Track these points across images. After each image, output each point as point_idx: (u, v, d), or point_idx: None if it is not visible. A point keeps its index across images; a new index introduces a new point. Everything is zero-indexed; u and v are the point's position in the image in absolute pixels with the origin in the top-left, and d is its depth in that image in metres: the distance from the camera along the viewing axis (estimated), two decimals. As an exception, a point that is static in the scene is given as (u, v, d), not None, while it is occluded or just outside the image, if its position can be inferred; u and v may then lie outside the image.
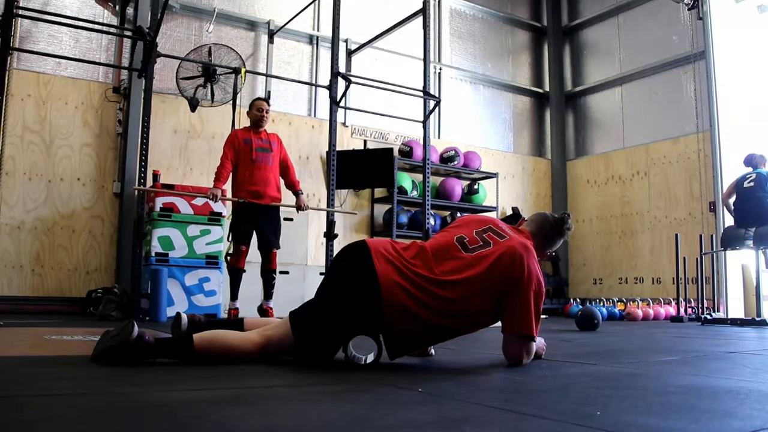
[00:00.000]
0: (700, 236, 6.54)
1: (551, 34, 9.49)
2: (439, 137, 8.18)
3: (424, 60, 6.05)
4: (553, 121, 9.36)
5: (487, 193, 8.03)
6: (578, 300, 8.09)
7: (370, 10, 7.74)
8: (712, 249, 6.48)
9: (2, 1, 4.27)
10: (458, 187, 7.82)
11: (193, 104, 5.74)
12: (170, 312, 4.84)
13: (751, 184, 5.98)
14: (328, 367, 2.05)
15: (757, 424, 1.24)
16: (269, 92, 7.03)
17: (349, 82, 5.32)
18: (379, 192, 7.59)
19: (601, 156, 8.81)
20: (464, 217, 2.42)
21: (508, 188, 8.75)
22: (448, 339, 2.18)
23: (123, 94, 6.25)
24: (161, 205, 5.31)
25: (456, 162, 7.80)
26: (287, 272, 5.89)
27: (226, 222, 5.27)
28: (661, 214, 7.97)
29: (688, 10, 7.69)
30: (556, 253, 8.48)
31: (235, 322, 2.47)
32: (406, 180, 7.45)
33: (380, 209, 7.64)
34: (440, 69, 8.40)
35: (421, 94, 5.90)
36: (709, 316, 6.10)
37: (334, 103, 5.64)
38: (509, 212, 8.60)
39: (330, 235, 5.54)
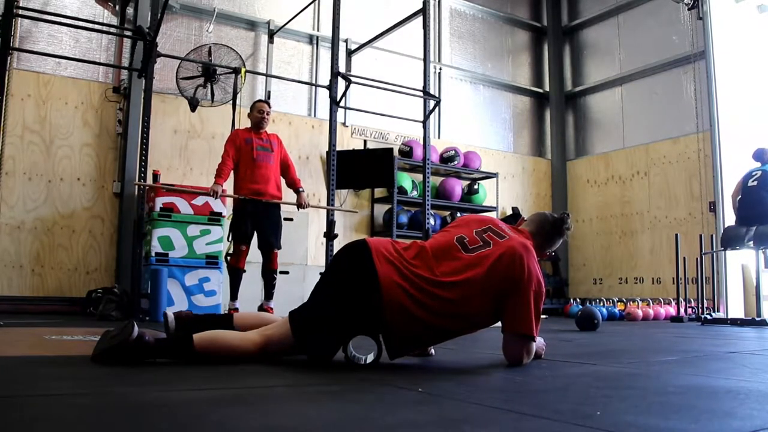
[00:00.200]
0: (700, 236, 6.54)
1: (551, 34, 9.49)
2: (439, 137, 8.18)
3: (424, 60, 6.05)
4: (553, 121, 9.36)
5: (487, 193, 8.03)
6: (578, 300, 8.09)
7: (370, 10, 7.74)
8: (712, 249, 6.48)
9: (2, 1, 4.27)
10: (458, 187, 7.82)
11: (193, 104, 5.74)
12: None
13: (755, 183, 5.96)
14: (328, 367, 2.05)
15: (757, 424, 1.24)
16: (269, 92, 7.03)
17: (349, 82, 5.32)
18: (379, 192, 7.59)
19: (601, 156, 8.81)
20: (464, 216, 2.42)
21: (508, 188, 8.75)
22: (448, 339, 2.18)
23: (123, 94, 6.25)
24: (161, 205, 5.31)
25: (456, 162, 7.80)
26: (287, 272, 5.89)
27: (226, 222, 5.27)
28: (661, 214, 7.97)
29: (688, 10, 7.69)
30: (556, 253, 8.48)
31: (222, 316, 2.47)
32: (406, 180, 7.45)
33: (380, 209, 7.64)
34: (440, 69, 8.40)
35: (421, 94, 5.89)
36: (709, 316, 6.10)
37: (334, 103, 5.64)
38: (509, 212, 8.60)
39: (330, 235, 5.54)
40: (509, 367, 2.12)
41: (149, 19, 6.10)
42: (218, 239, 5.45)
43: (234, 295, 4.83)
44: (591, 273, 8.72)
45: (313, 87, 7.32)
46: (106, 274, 6.03)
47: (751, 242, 5.87)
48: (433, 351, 2.45)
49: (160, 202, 5.32)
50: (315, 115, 7.36)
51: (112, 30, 6.23)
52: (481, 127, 8.77)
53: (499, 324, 2.16)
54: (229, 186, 4.97)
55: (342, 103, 5.98)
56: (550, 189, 9.22)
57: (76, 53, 6.03)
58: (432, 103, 5.93)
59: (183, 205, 5.35)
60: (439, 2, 8.54)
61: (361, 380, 1.79)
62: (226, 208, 5.50)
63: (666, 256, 7.69)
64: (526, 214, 8.26)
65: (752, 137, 6.97)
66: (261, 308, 4.87)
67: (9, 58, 4.42)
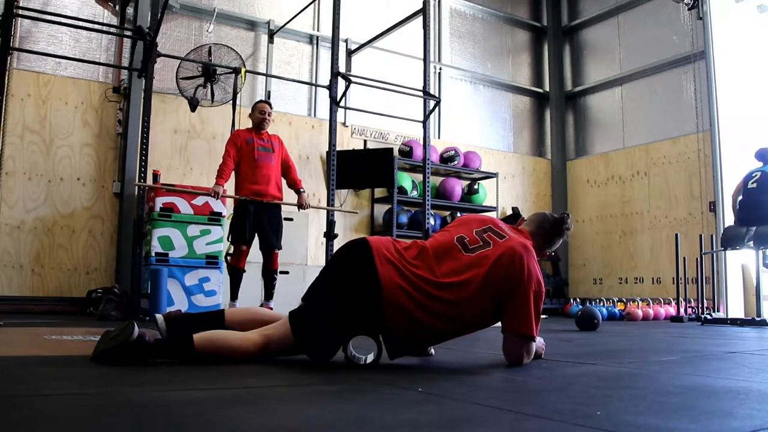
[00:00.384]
0: (700, 236, 6.54)
1: (551, 34, 9.49)
2: (439, 137, 8.18)
3: (424, 60, 6.05)
4: (553, 121, 9.36)
5: (487, 193, 8.03)
6: (578, 300, 8.09)
7: (370, 10, 7.74)
8: (712, 249, 6.48)
9: (2, 1, 4.27)
10: (458, 187, 7.82)
11: (193, 104, 5.74)
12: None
13: (755, 185, 5.95)
14: (328, 367, 2.05)
15: (756, 424, 1.24)
16: (269, 92, 7.03)
17: (349, 82, 5.32)
18: (379, 192, 7.59)
19: (601, 156, 8.81)
20: (464, 216, 2.42)
21: (508, 188, 8.75)
22: (448, 339, 2.18)
23: (123, 94, 6.24)
24: (161, 205, 5.30)
25: (456, 162, 7.80)
26: (287, 272, 5.89)
27: (226, 222, 5.27)
28: (661, 214, 7.97)
29: (688, 10, 7.69)
30: (556, 253, 8.48)
31: (213, 313, 2.46)
32: (406, 180, 7.45)
33: (380, 209, 7.64)
34: (440, 69, 8.40)
35: (421, 94, 5.90)
36: (709, 316, 6.10)
37: (334, 103, 5.64)
38: (509, 212, 8.60)
39: (330, 235, 5.55)
40: (509, 367, 2.12)
41: (149, 19, 6.10)
42: (218, 239, 5.45)
43: (234, 295, 4.83)
44: (591, 273, 8.72)
45: (313, 87, 7.32)
46: (106, 274, 6.03)
47: (751, 242, 5.87)
48: (433, 351, 2.45)
49: (160, 202, 5.32)
50: (315, 115, 7.36)
51: (112, 30, 6.23)
52: (481, 127, 8.78)
53: (499, 324, 2.16)
54: (230, 186, 4.97)
55: (342, 103, 5.98)
56: (550, 189, 9.22)
57: (76, 53, 6.04)
58: (432, 103, 5.93)
59: (183, 205, 5.35)
60: (439, 2, 8.54)
61: (361, 380, 1.79)
62: (226, 208, 5.50)
63: (666, 256, 7.69)
64: (526, 214, 8.26)
65: (752, 137, 6.97)
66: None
67: (9, 58, 4.42)
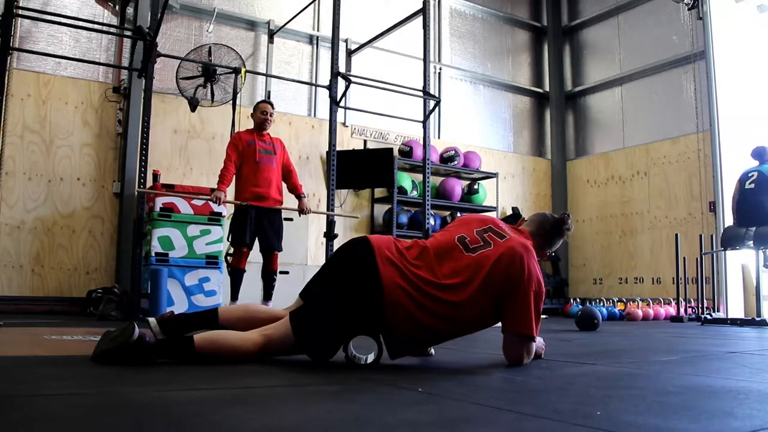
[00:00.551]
0: (700, 236, 6.54)
1: (551, 34, 9.49)
2: (439, 137, 8.18)
3: (424, 60, 6.05)
4: (553, 121, 9.36)
5: (487, 193, 8.03)
6: (578, 300, 8.09)
7: (370, 10, 7.74)
8: (712, 249, 6.48)
9: (2, 1, 4.27)
10: (458, 187, 7.82)
11: (193, 104, 5.74)
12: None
13: (752, 185, 5.93)
14: (328, 367, 2.05)
15: (756, 424, 1.24)
16: (269, 92, 7.03)
17: (349, 82, 5.32)
18: (379, 192, 7.59)
19: (601, 156, 8.81)
20: (464, 216, 2.42)
21: (508, 188, 8.75)
22: (448, 339, 2.18)
23: (123, 94, 6.24)
24: (161, 205, 5.30)
25: (456, 162, 7.80)
26: (287, 272, 5.88)
27: (226, 222, 5.27)
28: (661, 214, 7.97)
29: (688, 10, 7.69)
30: (556, 253, 8.48)
31: (206, 312, 2.45)
32: (406, 180, 7.45)
33: (380, 209, 7.64)
34: (440, 69, 8.40)
35: (421, 94, 5.89)
36: (709, 316, 6.10)
37: (334, 103, 5.64)
38: (509, 212, 8.60)
39: (330, 235, 5.55)
40: (509, 367, 2.12)
41: (149, 19, 6.10)
42: (218, 239, 5.45)
43: (234, 295, 4.83)
44: (591, 273, 8.72)
45: (313, 87, 7.32)
46: (106, 274, 6.02)
47: (751, 242, 5.86)
48: (433, 351, 2.45)
49: (160, 201, 5.32)
50: (315, 115, 7.36)
51: (112, 30, 6.23)
52: (481, 127, 8.78)
53: (499, 324, 2.16)
54: (230, 188, 4.97)
55: (342, 103, 5.98)
56: (550, 189, 9.22)
57: (76, 53, 6.03)
58: (432, 103, 5.93)
59: (183, 205, 5.35)
60: (439, 2, 8.54)
61: (361, 380, 1.79)
62: (226, 209, 5.50)
63: (666, 256, 7.69)
64: (526, 214, 8.25)
65: (752, 137, 6.97)
66: (261, 308, 4.86)
67: (9, 58, 4.43)
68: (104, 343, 1.98)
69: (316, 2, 7.25)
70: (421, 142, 6.25)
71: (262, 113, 4.96)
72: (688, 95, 7.78)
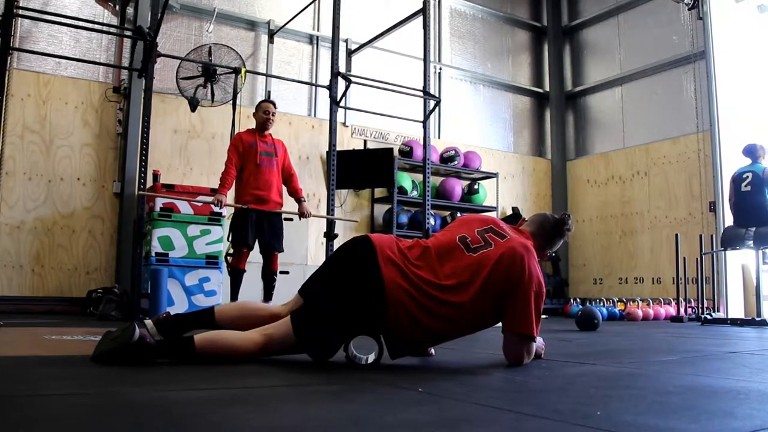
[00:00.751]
0: (700, 236, 6.54)
1: (551, 34, 9.49)
2: (439, 137, 8.18)
3: (424, 60, 6.05)
4: (553, 121, 9.36)
5: (487, 193, 8.03)
6: (578, 300, 8.09)
7: (370, 10, 7.74)
8: (712, 249, 6.48)
9: (2, 1, 4.26)
10: (458, 187, 7.82)
11: (193, 104, 5.74)
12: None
13: (748, 187, 5.90)
14: (328, 367, 2.05)
15: (756, 424, 1.24)
16: (269, 92, 7.03)
17: (349, 82, 5.32)
18: (379, 192, 7.59)
19: (601, 156, 8.81)
20: (465, 216, 2.42)
21: (508, 188, 8.75)
22: (449, 340, 2.18)
23: (123, 94, 6.25)
24: (161, 205, 5.31)
25: (456, 162, 7.80)
26: (287, 272, 5.89)
27: (226, 222, 5.27)
28: (661, 214, 7.97)
29: (688, 10, 7.69)
30: (556, 253, 8.48)
31: (203, 312, 2.45)
32: (406, 180, 7.45)
33: (380, 209, 7.64)
34: (440, 69, 8.40)
35: (421, 94, 5.89)
36: (709, 316, 6.10)
37: (334, 103, 5.64)
38: (509, 212, 8.60)
39: (330, 235, 5.55)
40: (509, 367, 2.12)
41: (149, 19, 6.10)
42: (218, 239, 5.45)
43: (234, 296, 4.83)
44: (591, 273, 8.72)
45: (313, 87, 7.32)
46: (106, 274, 6.03)
47: (751, 242, 5.86)
48: (433, 351, 2.45)
49: (160, 202, 5.32)
50: (315, 115, 7.36)
51: (112, 30, 6.23)
52: (481, 127, 8.78)
53: (499, 324, 2.16)
54: (231, 190, 4.97)
55: (342, 103, 5.97)
56: (550, 189, 9.22)
57: (76, 53, 6.03)
58: (432, 103, 5.93)
59: (183, 205, 5.35)
60: (439, 2, 8.54)
61: (361, 380, 1.79)
62: (225, 209, 5.50)
63: (666, 256, 7.69)
64: (526, 214, 8.26)
65: (752, 137, 6.96)
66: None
67: (9, 58, 4.42)
68: (105, 344, 1.98)
69: (316, 2, 7.25)
70: (421, 142, 6.25)
71: (264, 113, 4.95)
72: (688, 95, 7.78)
